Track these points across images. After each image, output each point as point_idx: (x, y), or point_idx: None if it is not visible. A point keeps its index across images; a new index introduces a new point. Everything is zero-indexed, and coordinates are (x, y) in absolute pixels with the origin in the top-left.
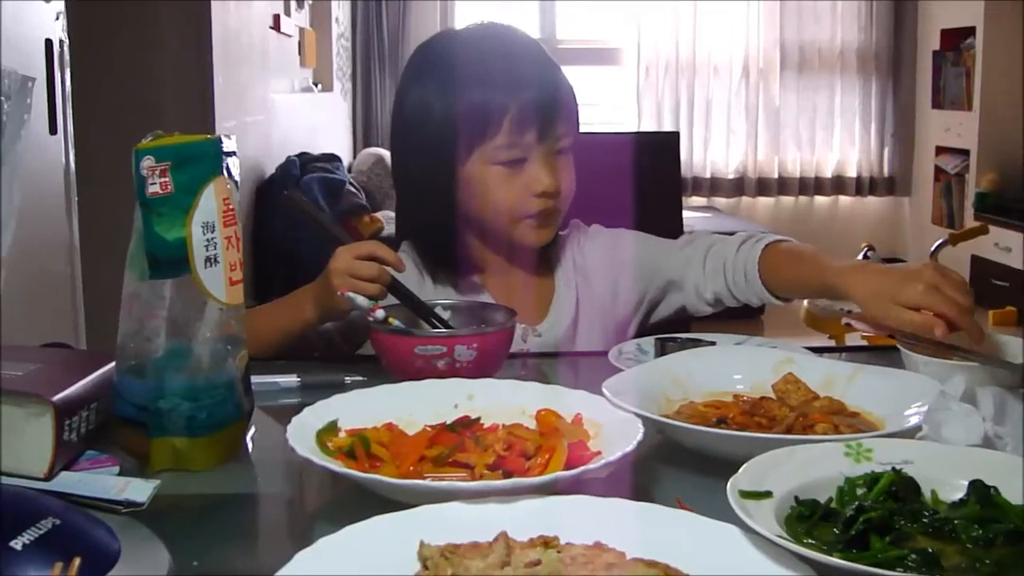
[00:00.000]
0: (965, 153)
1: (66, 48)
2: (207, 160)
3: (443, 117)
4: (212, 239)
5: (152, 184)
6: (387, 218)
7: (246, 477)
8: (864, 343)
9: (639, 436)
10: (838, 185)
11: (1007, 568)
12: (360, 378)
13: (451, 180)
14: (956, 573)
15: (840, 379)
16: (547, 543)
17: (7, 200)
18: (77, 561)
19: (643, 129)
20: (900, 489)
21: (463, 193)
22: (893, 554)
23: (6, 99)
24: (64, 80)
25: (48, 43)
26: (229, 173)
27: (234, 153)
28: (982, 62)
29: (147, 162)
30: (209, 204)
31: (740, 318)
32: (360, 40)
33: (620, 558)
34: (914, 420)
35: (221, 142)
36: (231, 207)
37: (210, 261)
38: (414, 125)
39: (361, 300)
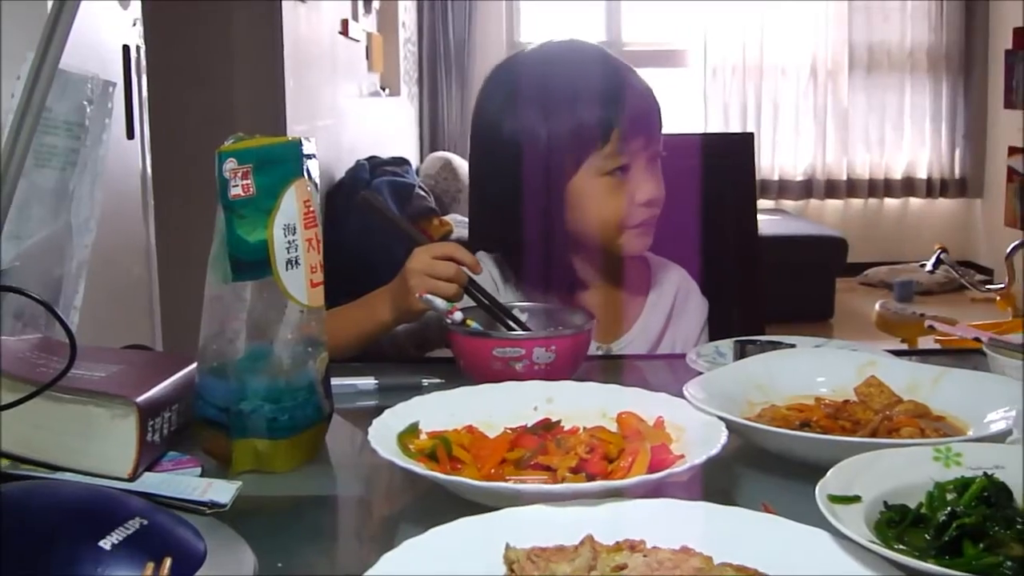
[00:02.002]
0: None
1: (143, 54)
2: (288, 162)
3: (550, 133)
4: (293, 241)
5: (234, 186)
6: (456, 221)
7: (326, 479)
8: (937, 347)
9: (723, 439)
10: (908, 187)
11: None
12: (437, 380)
13: (559, 197)
14: None
15: (924, 382)
16: (633, 547)
17: (89, 203)
18: (168, 561)
19: (711, 130)
20: (992, 495)
21: (568, 208)
22: (988, 561)
23: (89, 103)
24: (141, 85)
25: (125, 49)
26: (309, 175)
27: (314, 156)
28: None
29: (229, 164)
30: (290, 206)
31: (810, 321)
32: (426, 44)
33: (708, 563)
34: (1003, 424)
35: (301, 144)
36: (312, 209)
37: (291, 263)
38: (513, 146)
39: (439, 302)
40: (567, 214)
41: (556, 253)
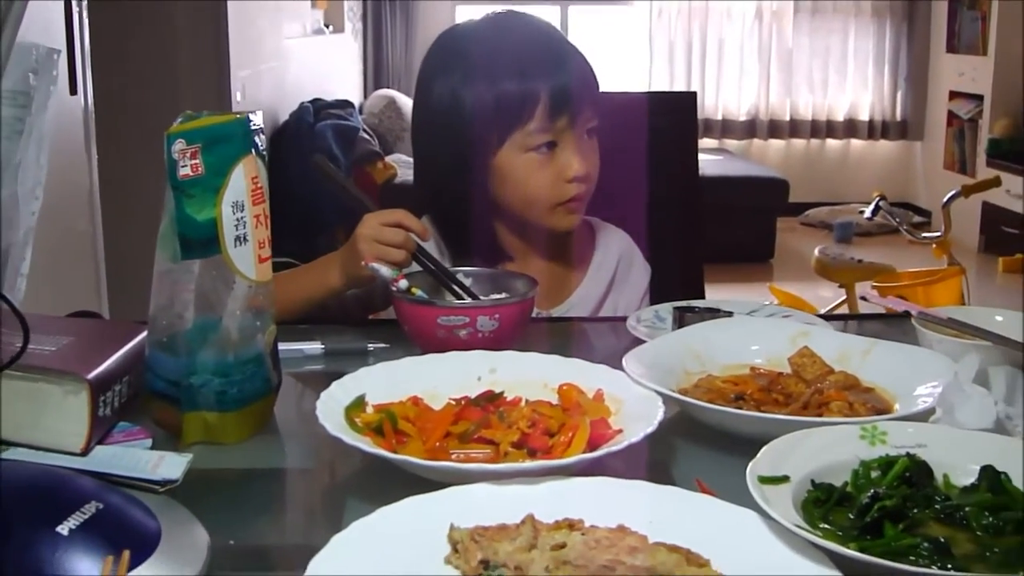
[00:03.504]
0: (979, 98)
1: (84, 7)
2: (236, 140)
3: (474, 107)
4: (241, 218)
5: (183, 167)
6: (399, 162)
7: (275, 450)
8: (873, 306)
9: (659, 416)
10: (850, 128)
11: (1017, 557)
12: (383, 345)
13: (484, 170)
14: (966, 561)
15: (855, 354)
16: (572, 526)
17: (35, 171)
18: (127, 554)
19: (655, 71)
20: (914, 474)
21: (495, 182)
22: (905, 542)
23: (33, 73)
24: (84, 39)
25: (68, 4)
26: (257, 150)
27: (261, 129)
28: (998, 7)
29: (178, 145)
30: (238, 184)
31: (750, 262)
32: None
33: (643, 542)
34: (928, 401)
35: (250, 120)
36: (260, 185)
37: (239, 240)
38: (443, 117)
39: (385, 270)
40: (494, 188)
41: (483, 223)
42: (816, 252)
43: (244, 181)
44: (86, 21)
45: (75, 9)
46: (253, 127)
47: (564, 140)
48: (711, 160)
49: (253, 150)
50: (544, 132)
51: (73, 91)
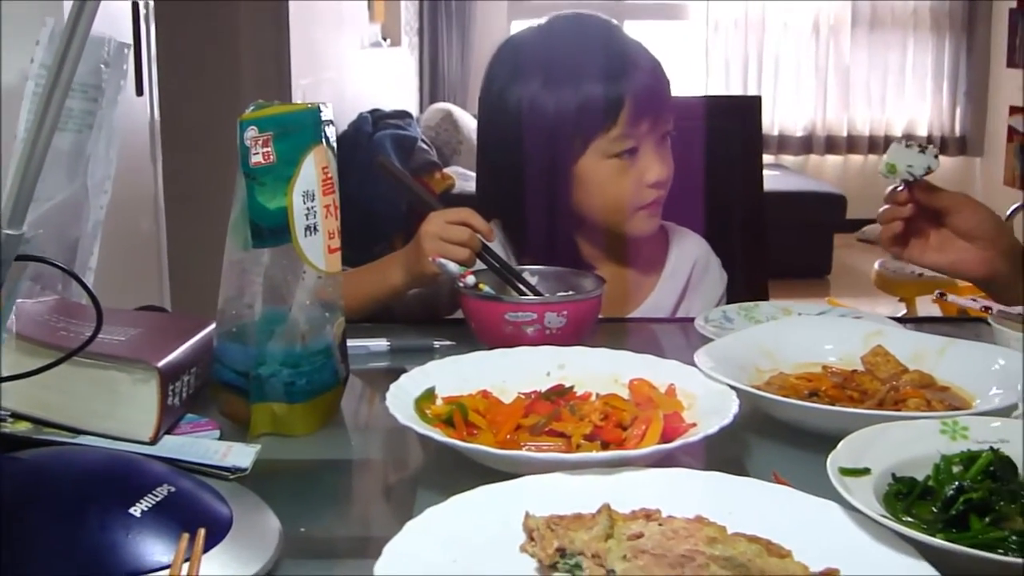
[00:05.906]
0: None
1: (151, 10)
2: (307, 129)
3: (557, 114)
4: (312, 208)
5: (255, 154)
6: (457, 174)
7: (343, 442)
8: (937, 313)
9: (735, 409)
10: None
11: None
12: (448, 342)
13: (564, 177)
14: None
15: (930, 353)
16: (649, 516)
17: (105, 165)
18: (202, 532)
19: (712, 85)
20: (998, 469)
21: (575, 189)
22: (994, 535)
23: (105, 66)
24: (150, 42)
25: (135, 5)
26: (327, 141)
27: (331, 122)
28: None
29: (251, 132)
30: (309, 173)
31: (807, 277)
32: None
33: (721, 532)
34: (1010, 398)
35: (320, 111)
36: (330, 176)
37: (310, 230)
38: (519, 125)
39: (452, 266)
40: (574, 195)
41: (561, 231)
42: (876, 266)
43: (315, 170)
44: (152, 23)
45: (142, 11)
46: (323, 118)
47: (645, 145)
48: (768, 175)
49: (324, 140)
50: (627, 138)
51: (139, 92)
